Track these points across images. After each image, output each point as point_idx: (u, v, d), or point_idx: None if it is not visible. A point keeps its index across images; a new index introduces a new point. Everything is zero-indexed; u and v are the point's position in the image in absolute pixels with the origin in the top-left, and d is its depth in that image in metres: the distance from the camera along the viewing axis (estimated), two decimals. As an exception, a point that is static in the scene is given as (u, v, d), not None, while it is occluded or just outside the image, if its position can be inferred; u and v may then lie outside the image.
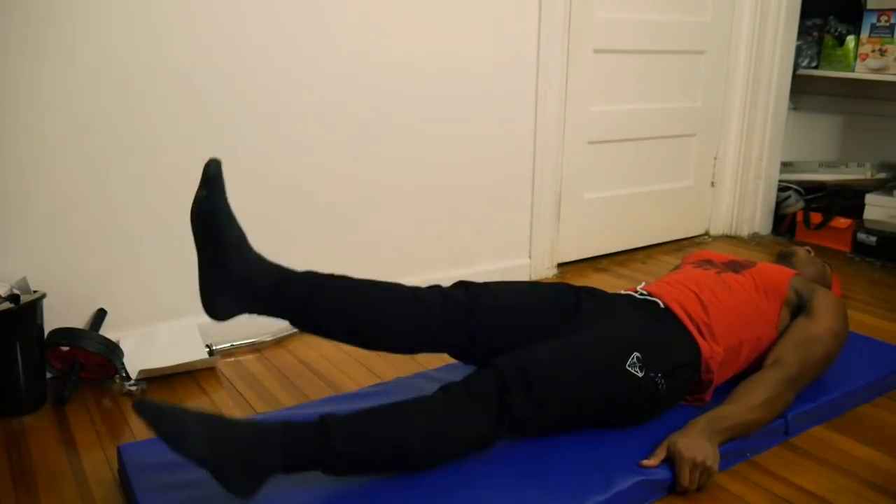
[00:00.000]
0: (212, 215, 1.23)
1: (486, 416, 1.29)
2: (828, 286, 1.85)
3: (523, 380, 1.31)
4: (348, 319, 1.38)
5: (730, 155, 3.11)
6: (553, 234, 2.60)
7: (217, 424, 1.16)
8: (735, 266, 1.74)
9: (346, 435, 1.22)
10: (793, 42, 3.00)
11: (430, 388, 1.63)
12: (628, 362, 1.40)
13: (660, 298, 1.57)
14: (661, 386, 1.44)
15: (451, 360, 1.75)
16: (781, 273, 1.71)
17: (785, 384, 1.49)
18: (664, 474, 1.33)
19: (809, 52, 3.09)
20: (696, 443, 1.34)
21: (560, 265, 2.68)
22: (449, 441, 1.29)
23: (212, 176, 1.23)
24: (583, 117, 2.61)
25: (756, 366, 1.59)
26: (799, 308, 1.67)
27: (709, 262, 1.78)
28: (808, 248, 1.97)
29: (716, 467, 1.33)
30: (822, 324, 1.59)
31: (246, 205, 1.98)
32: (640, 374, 1.40)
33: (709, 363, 1.51)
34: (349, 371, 1.84)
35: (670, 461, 1.34)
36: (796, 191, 3.16)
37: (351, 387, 1.74)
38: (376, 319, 1.40)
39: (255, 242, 2.00)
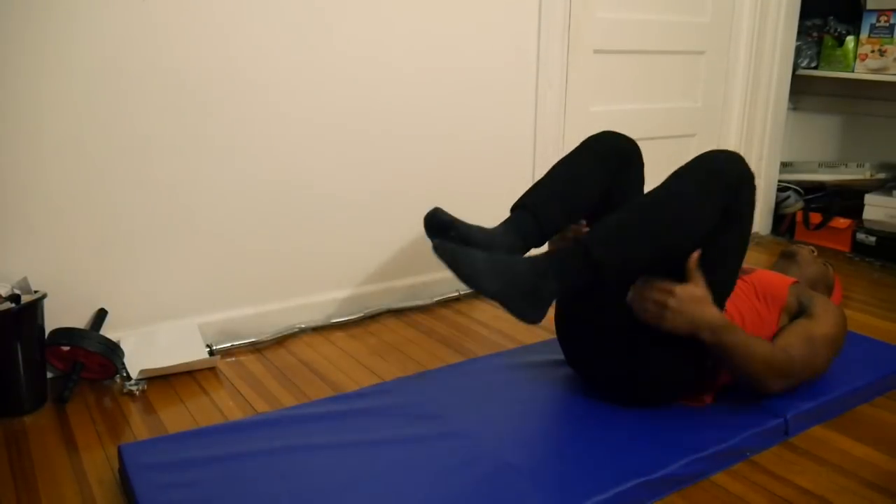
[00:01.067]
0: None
1: (721, 191, 1.38)
2: (830, 287, 1.85)
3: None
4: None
5: (729, 155, 3.10)
6: (553, 234, 2.60)
7: (501, 264, 1.34)
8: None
9: (606, 249, 1.35)
10: (793, 42, 3.00)
11: (431, 388, 1.65)
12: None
13: None
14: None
15: (452, 361, 1.75)
16: (780, 280, 1.71)
17: (785, 366, 1.49)
18: (664, 474, 1.34)
19: (809, 53, 3.09)
20: (697, 299, 1.39)
21: (560, 265, 2.68)
22: (696, 218, 1.38)
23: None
24: (583, 117, 2.61)
25: None
26: (799, 315, 1.66)
27: None
28: (811, 247, 1.97)
29: (668, 313, 1.38)
30: (823, 329, 1.59)
31: (247, 205, 1.98)
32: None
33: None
34: (349, 371, 1.84)
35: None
36: (796, 191, 3.16)
37: (351, 387, 1.74)
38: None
39: (255, 241, 2.01)
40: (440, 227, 1.48)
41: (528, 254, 1.48)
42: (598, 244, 1.35)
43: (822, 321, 1.60)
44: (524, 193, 1.59)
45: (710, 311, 1.41)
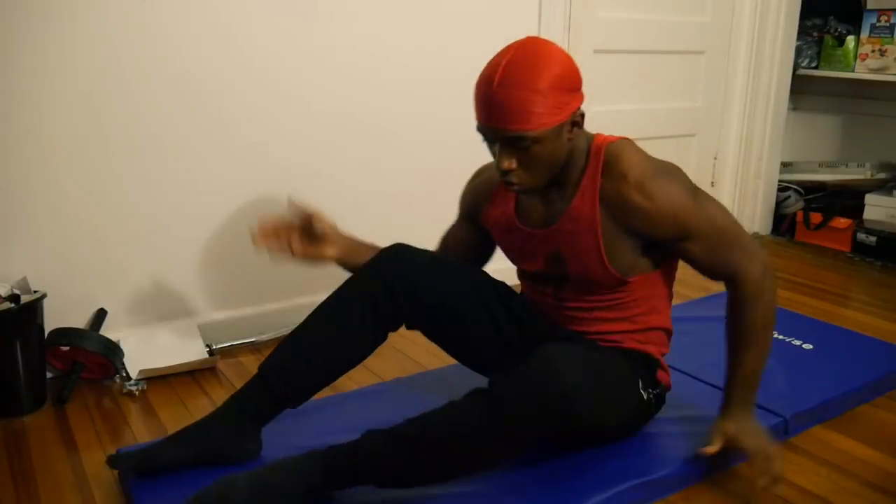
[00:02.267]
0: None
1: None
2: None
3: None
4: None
5: (730, 155, 3.11)
6: (553, 234, 2.60)
7: (264, 492, 1.18)
8: (561, 275, 1.40)
9: (382, 475, 1.20)
10: (793, 42, 3.00)
11: (430, 387, 1.64)
12: (640, 385, 1.35)
13: None
14: (652, 399, 1.39)
15: (452, 361, 1.75)
16: (588, 255, 1.33)
17: (760, 295, 1.29)
18: (664, 474, 1.34)
19: (809, 52, 3.09)
20: (749, 429, 1.32)
21: (560, 265, 2.68)
22: (483, 452, 1.18)
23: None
24: (583, 117, 2.60)
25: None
26: (653, 243, 1.32)
27: (538, 278, 1.46)
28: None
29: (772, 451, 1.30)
30: (712, 227, 1.30)
31: (246, 205, 1.98)
32: (645, 396, 1.36)
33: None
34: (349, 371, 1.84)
35: (729, 449, 1.32)
36: (796, 191, 3.16)
37: (350, 386, 1.74)
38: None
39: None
40: (135, 465, 1.29)
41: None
42: (377, 477, 1.20)
43: (701, 224, 1.29)
44: (269, 355, 1.38)
45: (756, 428, 1.34)
